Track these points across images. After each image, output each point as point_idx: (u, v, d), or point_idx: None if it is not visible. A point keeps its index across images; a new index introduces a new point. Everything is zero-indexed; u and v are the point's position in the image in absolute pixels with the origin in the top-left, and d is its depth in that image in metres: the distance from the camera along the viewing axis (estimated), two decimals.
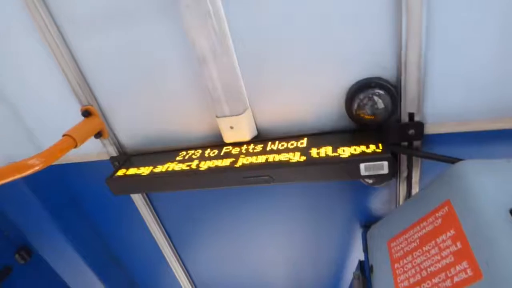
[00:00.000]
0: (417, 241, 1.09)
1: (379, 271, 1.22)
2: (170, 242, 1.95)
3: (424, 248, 1.05)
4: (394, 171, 1.16)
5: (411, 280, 1.04)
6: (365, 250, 1.38)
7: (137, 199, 1.73)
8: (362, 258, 1.44)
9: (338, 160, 1.07)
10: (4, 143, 1.73)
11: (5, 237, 2.12)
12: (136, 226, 1.91)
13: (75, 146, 1.36)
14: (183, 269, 2.09)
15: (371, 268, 1.28)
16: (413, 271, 1.06)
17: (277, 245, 1.78)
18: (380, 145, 1.08)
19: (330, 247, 1.67)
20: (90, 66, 1.38)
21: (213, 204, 1.71)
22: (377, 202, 1.43)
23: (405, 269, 1.09)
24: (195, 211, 1.78)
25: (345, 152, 1.09)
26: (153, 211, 1.80)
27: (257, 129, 1.35)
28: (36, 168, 1.26)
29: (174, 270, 2.09)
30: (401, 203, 1.37)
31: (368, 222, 1.50)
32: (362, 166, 1.05)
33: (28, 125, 1.65)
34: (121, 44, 1.28)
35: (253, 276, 2.03)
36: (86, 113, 1.45)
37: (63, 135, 1.34)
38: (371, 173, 1.06)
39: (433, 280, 0.97)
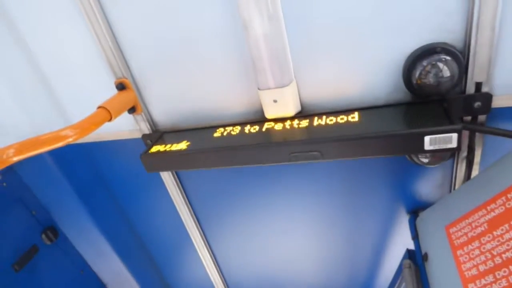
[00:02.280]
0: (485, 225, 0.99)
1: (436, 259, 1.12)
2: (198, 225, 1.89)
3: (495, 233, 0.94)
4: (461, 146, 1.05)
5: (481, 268, 0.94)
6: (415, 237, 1.28)
7: (168, 179, 1.67)
8: (409, 246, 1.34)
9: (399, 133, 0.97)
10: (34, 116, 1.70)
11: (33, 216, 2.11)
12: (164, 208, 1.86)
13: (110, 120, 1.30)
14: (210, 254, 2.03)
15: (424, 256, 1.17)
16: (482, 257, 0.95)
17: (312, 231, 1.70)
18: (446, 117, 0.97)
19: (372, 234, 1.57)
20: (126, 37, 1.32)
21: (244, 186, 1.64)
22: (429, 185, 1.32)
23: (471, 256, 0.98)
24: (225, 193, 1.71)
25: (406, 124, 0.99)
26: (183, 192, 1.74)
27: (301, 104, 1.26)
28: (69, 140, 1.20)
29: (200, 255, 2.04)
30: (457, 186, 1.26)
31: (416, 207, 1.40)
32: (427, 139, 0.95)
33: (58, 98, 1.60)
34: (159, 11, 1.21)
35: (285, 265, 1.95)
36: (121, 86, 1.39)
37: (98, 107, 1.28)
38: (437, 147, 0.95)
39: (510, 267, 0.87)
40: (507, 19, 0.93)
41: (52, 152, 1.83)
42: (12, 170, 2.01)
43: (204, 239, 1.96)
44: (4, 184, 1.97)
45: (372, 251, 1.64)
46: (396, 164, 1.31)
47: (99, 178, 1.94)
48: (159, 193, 1.78)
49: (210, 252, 2.04)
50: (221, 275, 2.16)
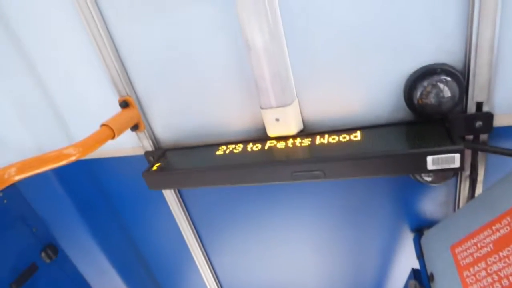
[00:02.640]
0: (490, 245, 0.97)
1: (442, 280, 1.10)
2: (199, 243, 1.87)
3: (501, 254, 0.93)
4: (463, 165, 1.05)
5: None
6: (420, 256, 1.26)
7: (170, 197, 1.67)
8: (414, 265, 1.32)
9: (401, 152, 0.97)
10: (37, 132, 1.71)
11: (33, 234, 2.09)
12: (166, 225, 1.84)
13: (113, 138, 1.31)
14: (211, 271, 2.00)
15: (430, 277, 1.16)
16: (489, 279, 0.94)
17: (314, 249, 1.68)
18: (447, 137, 0.98)
19: (375, 253, 1.55)
20: (130, 55, 1.34)
21: (246, 203, 1.63)
22: (433, 204, 1.31)
23: (478, 278, 0.97)
24: (227, 210, 1.70)
25: (408, 144, 0.99)
26: (184, 209, 1.73)
27: (303, 123, 1.27)
28: (72, 159, 1.21)
29: (201, 272, 2.01)
30: (461, 204, 1.25)
31: (420, 226, 1.38)
32: (429, 159, 0.95)
33: (61, 114, 1.61)
34: (163, 29, 1.23)
35: (285, 283, 1.92)
36: (124, 104, 1.41)
37: (101, 125, 1.29)
38: (439, 167, 0.95)
39: None
40: (505, 40, 0.94)
41: (54, 169, 1.84)
42: (13, 186, 2.00)
43: (206, 256, 1.94)
44: (5, 201, 1.97)
45: (376, 270, 1.61)
46: (399, 182, 1.30)
47: (101, 195, 1.94)
48: (161, 210, 1.77)
49: (212, 269, 2.01)
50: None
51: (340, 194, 1.44)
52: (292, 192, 1.50)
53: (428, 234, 1.26)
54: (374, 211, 1.43)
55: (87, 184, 1.91)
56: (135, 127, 1.46)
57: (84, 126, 1.42)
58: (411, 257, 1.34)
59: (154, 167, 1.36)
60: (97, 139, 1.25)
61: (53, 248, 2.20)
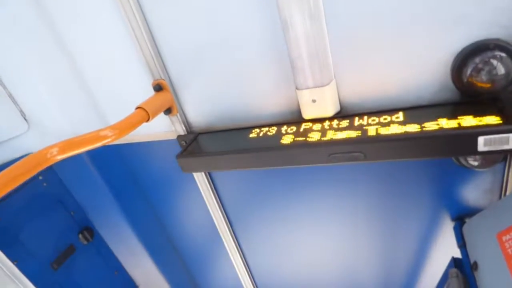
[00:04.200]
0: None
1: (488, 269, 1.05)
2: (229, 227, 1.88)
3: None
4: None
5: None
6: (463, 245, 1.21)
7: (201, 181, 1.68)
8: (455, 254, 1.27)
9: (450, 133, 0.92)
10: (73, 115, 1.75)
11: (71, 217, 2.18)
12: (197, 209, 1.87)
13: (147, 120, 1.32)
14: (241, 256, 2.01)
15: (474, 265, 1.10)
16: None
17: (349, 235, 1.64)
18: (501, 117, 0.91)
19: (413, 240, 1.50)
20: (164, 38, 1.34)
21: (278, 188, 1.61)
22: (477, 190, 1.25)
23: None
24: (258, 194, 1.69)
25: (457, 124, 0.94)
26: (215, 193, 1.73)
27: (340, 105, 1.23)
28: (108, 140, 1.23)
29: (231, 257, 2.02)
30: (508, 191, 1.17)
31: (462, 214, 1.32)
32: (481, 139, 0.89)
33: (96, 98, 1.65)
34: (198, 12, 1.22)
35: (318, 269, 1.91)
36: (158, 87, 1.41)
37: (136, 108, 1.30)
38: (491, 148, 0.89)
39: None
40: None
41: (89, 153, 1.89)
42: (51, 170, 2.08)
43: (236, 241, 1.95)
44: (45, 184, 2.05)
45: (413, 258, 1.56)
46: (441, 166, 1.24)
47: (134, 179, 1.98)
48: (192, 194, 1.79)
49: (241, 254, 2.02)
50: (251, 278, 2.14)
51: (378, 178, 1.39)
52: (326, 176, 1.47)
53: (471, 222, 1.21)
54: (413, 196, 1.37)
55: (120, 168, 1.96)
56: (168, 111, 1.47)
57: (118, 109, 1.45)
58: (451, 245, 1.29)
59: (188, 150, 1.37)
60: (133, 121, 1.27)
61: (89, 230, 2.29)
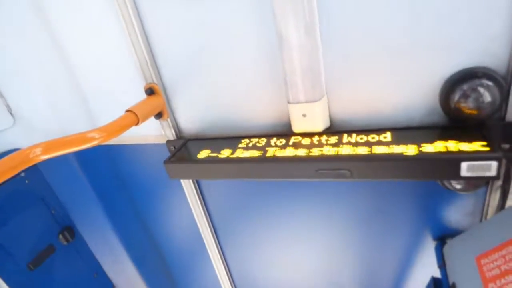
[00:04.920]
0: None
1: None
2: (214, 235, 1.87)
3: None
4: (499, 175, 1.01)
5: None
6: (442, 265, 1.23)
7: (188, 187, 1.67)
8: (435, 274, 1.28)
9: (434, 156, 0.94)
10: (62, 114, 1.73)
11: (52, 216, 2.13)
12: (182, 215, 1.85)
13: (137, 124, 1.31)
14: (224, 264, 2.00)
15: (452, 287, 1.12)
16: None
17: (332, 249, 1.65)
18: (484, 144, 0.94)
19: (395, 258, 1.51)
20: (160, 43, 1.34)
21: (264, 199, 1.61)
22: (459, 213, 1.27)
23: None
24: (244, 204, 1.69)
25: (442, 148, 0.96)
26: (202, 201, 1.72)
27: (330, 120, 1.24)
28: (95, 142, 1.21)
29: (214, 265, 2.01)
30: (489, 215, 1.20)
31: (444, 235, 1.34)
32: (464, 165, 0.91)
33: (87, 97, 1.62)
34: (194, 19, 1.23)
35: (297, 283, 1.90)
36: (150, 91, 1.41)
37: (126, 111, 1.29)
38: (473, 174, 0.91)
39: None
40: None
41: (76, 153, 1.86)
42: (35, 168, 2.04)
43: (220, 249, 1.94)
44: (27, 181, 2.01)
45: (394, 276, 1.57)
46: (426, 188, 1.26)
47: (120, 182, 1.96)
48: (178, 200, 1.78)
49: (224, 262, 2.01)
50: (233, 286, 2.13)
51: (362, 196, 1.40)
52: (312, 191, 1.47)
53: (452, 243, 1.22)
54: (397, 215, 1.39)
55: (107, 170, 1.93)
56: (159, 115, 1.46)
57: (108, 112, 1.43)
58: (432, 265, 1.31)
59: (176, 156, 1.36)
60: (121, 125, 1.25)
61: (70, 230, 2.24)
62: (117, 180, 1.95)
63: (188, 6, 1.20)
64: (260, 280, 2.02)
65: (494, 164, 0.88)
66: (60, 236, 2.17)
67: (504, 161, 1.08)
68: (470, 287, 1.05)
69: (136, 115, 1.29)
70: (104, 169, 1.92)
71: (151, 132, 1.60)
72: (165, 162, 1.35)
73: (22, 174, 1.98)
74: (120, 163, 1.86)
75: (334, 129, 1.24)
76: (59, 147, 1.17)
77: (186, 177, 1.43)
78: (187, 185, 1.66)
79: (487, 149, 0.91)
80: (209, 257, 1.96)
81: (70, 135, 1.19)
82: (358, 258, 1.61)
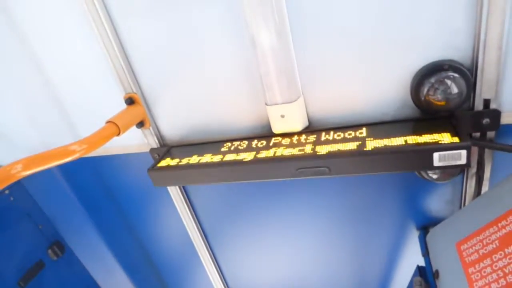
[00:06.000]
0: (496, 242, 0.97)
1: (447, 277, 1.10)
2: (205, 241, 1.87)
3: (507, 250, 0.93)
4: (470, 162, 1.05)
5: (493, 286, 0.92)
6: (426, 254, 1.26)
7: (175, 194, 1.67)
8: (420, 263, 1.32)
9: (407, 149, 0.97)
10: (43, 129, 1.72)
11: (39, 231, 2.11)
12: (172, 223, 1.85)
13: (118, 134, 1.31)
14: (217, 269, 2.00)
15: (435, 274, 1.15)
16: (494, 275, 0.93)
17: (320, 246, 1.67)
18: (454, 133, 0.97)
19: (381, 250, 1.54)
20: (135, 51, 1.34)
21: (251, 201, 1.63)
22: (439, 201, 1.31)
23: (483, 274, 0.96)
24: (233, 208, 1.70)
25: (414, 141, 0.99)
26: (190, 207, 1.73)
27: (308, 120, 1.27)
28: (77, 155, 1.21)
29: (207, 270, 2.01)
30: (467, 202, 1.24)
31: (426, 224, 1.38)
32: (435, 155, 0.94)
33: (67, 111, 1.62)
34: (168, 27, 1.24)
35: (293, 280, 1.92)
36: (130, 101, 1.41)
37: (107, 122, 1.29)
38: (446, 163, 0.95)
39: None
40: None
41: (60, 166, 1.85)
42: (19, 184, 2.02)
43: (211, 254, 1.94)
44: (11, 198, 1.99)
45: (381, 268, 1.61)
46: (405, 180, 1.30)
47: (106, 193, 1.95)
48: (166, 207, 1.78)
49: (217, 268, 2.01)
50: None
51: (346, 192, 1.43)
52: (297, 189, 1.50)
53: (433, 232, 1.26)
54: (380, 209, 1.42)
55: (92, 181, 1.92)
56: (140, 124, 1.47)
57: (90, 123, 1.43)
58: (417, 254, 1.34)
59: (159, 164, 1.37)
60: (102, 136, 1.26)
61: (59, 245, 2.22)
62: (103, 192, 1.95)
63: (158, 14, 1.21)
64: (252, 280, 2.03)
65: (463, 152, 0.92)
66: (49, 251, 2.15)
67: (476, 149, 1.12)
68: (451, 273, 1.08)
69: (117, 125, 1.29)
70: (90, 181, 1.91)
71: (134, 142, 1.60)
72: (149, 170, 1.36)
73: (6, 192, 1.95)
74: (105, 174, 1.85)
75: (313, 128, 1.27)
76: (40, 162, 1.17)
77: (170, 184, 1.44)
78: (174, 192, 1.66)
79: (457, 138, 0.94)
80: (201, 262, 1.97)
81: (51, 150, 1.19)
82: (345, 253, 1.64)
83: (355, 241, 1.58)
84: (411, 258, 1.48)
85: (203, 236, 1.86)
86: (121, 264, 2.24)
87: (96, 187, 1.93)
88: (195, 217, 1.77)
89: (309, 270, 1.81)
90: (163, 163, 1.37)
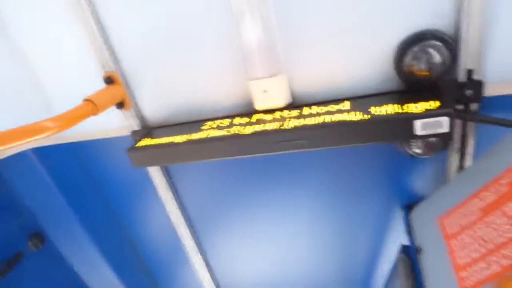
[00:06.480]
0: (478, 213, 0.96)
1: (429, 251, 1.09)
2: (189, 226, 1.83)
3: (487, 219, 0.92)
4: (453, 133, 1.04)
5: (474, 255, 0.91)
6: (409, 232, 1.25)
7: (158, 178, 1.63)
8: (404, 242, 1.31)
9: (387, 117, 0.95)
10: (18, 108, 1.65)
11: (18, 222, 2.03)
12: (156, 209, 1.81)
13: (95, 113, 1.27)
14: (203, 258, 1.96)
15: (418, 250, 1.14)
16: (475, 245, 0.92)
17: (306, 227, 1.65)
18: (437, 103, 0.96)
19: (368, 230, 1.53)
20: (115, 29, 1.30)
21: (235, 183, 1.60)
22: (423, 179, 1.30)
23: (464, 244, 0.95)
24: (217, 192, 1.67)
25: (395, 110, 0.97)
26: (174, 192, 1.69)
27: (292, 96, 1.24)
28: (50, 132, 1.16)
29: (192, 260, 1.97)
30: (450, 178, 1.23)
31: (410, 202, 1.36)
32: (417, 123, 0.93)
33: (44, 90, 1.56)
34: (149, 4, 1.20)
35: (279, 265, 1.89)
36: (109, 80, 1.37)
37: (83, 100, 1.25)
38: (428, 132, 0.93)
39: (502, 251, 0.84)
40: (497, 5, 0.92)
41: (38, 153, 1.79)
42: None
43: (197, 243, 1.90)
44: None
45: (368, 248, 1.59)
46: (389, 157, 1.28)
47: (88, 180, 1.89)
48: (149, 193, 1.74)
49: (203, 256, 1.97)
50: (214, 279, 2.10)
51: (330, 172, 1.41)
52: (283, 171, 1.47)
53: (416, 209, 1.25)
54: (366, 188, 1.41)
55: (73, 168, 1.86)
56: (120, 105, 1.42)
57: (67, 103, 1.37)
58: (402, 233, 1.33)
59: (139, 144, 1.33)
60: (78, 114, 1.21)
61: (39, 236, 2.15)
62: (85, 179, 1.89)
63: None
64: (239, 266, 2.00)
65: (445, 120, 0.91)
66: (29, 243, 2.08)
67: (459, 123, 1.11)
68: (433, 246, 1.07)
69: (94, 103, 1.25)
70: (70, 168, 1.86)
71: (116, 125, 1.55)
72: (128, 150, 1.32)
73: None
74: (86, 160, 1.80)
75: (296, 104, 1.25)
76: (11, 138, 1.11)
77: (150, 164, 1.40)
78: (157, 176, 1.62)
79: (438, 106, 0.93)
80: (186, 251, 1.93)
81: (23, 126, 1.14)
82: (332, 236, 1.62)
83: (341, 223, 1.56)
84: (398, 236, 1.47)
85: (189, 223, 1.82)
86: (103, 254, 2.18)
87: (77, 174, 1.87)
88: (179, 203, 1.73)
89: (296, 252, 1.79)
90: (143, 142, 1.33)
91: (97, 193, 1.94)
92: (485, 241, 0.89)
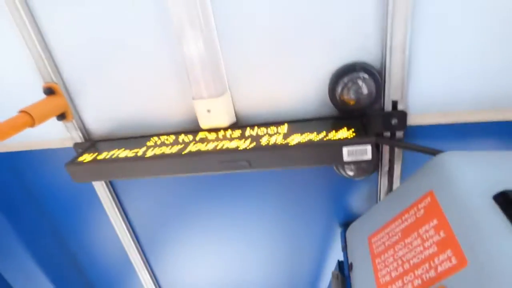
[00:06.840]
0: (399, 234, 1.04)
1: (359, 268, 1.15)
2: (136, 242, 1.80)
3: (406, 241, 1.00)
4: (377, 159, 1.12)
5: (393, 274, 0.98)
6: (344, 249, 1.32)
7: (102, 192, 1.59)
8: (341, 258, 1.38)
9: (319, 143, 1.01)
10: None
11: None
12: (100, 224, 1.76)
13: (32, 125, 1.22)
14: (149, 273, 1.93)
15: (350, 266, 1.21)
16: (395, 264, 1.00)
17: (252, 243, 1.68)
18: (364, 131, 1.03)
19: (309, 247, 1.59)
20: (56, 38, 1.27)
21: (182, 198, 1.60)
22: (358, 198, 1.38)
23: (386, 263, 1.03)
24: (164, 206, 1.66)
25: (327, 136, 1.04)
26: (119, 207, 1.65)
27: (236, 116, 1.28)
28: None
29: (140, 275, 1.93)
30: (382, 198, 1.32)
31: (348, 220, 1.44)
32: (345, 150, 0.99)
33: None
34: (91, 14, 1.18)
35: (225, 278, 1.90)
36: (49, 91, 1.32)
37: (19, 111, 1.20)
38: (354, 158, 1.00)
39: (416, 271, 0.92)
40: (417, 44, 1.02)
41: None
42: None
43: (143, 255, 1.87)
44: None
45: (311, 264, 1.65)
46: (327, 178, 1.35)
47: (27, 192, 1.80)
48: (93, 207, 1.68)
49: (150, 271, 1.94)
50: None
51: (274, 192, 1.45)
52: (227, 187, 1.50)
53: (351, 227, 1.32)
54: (305, 207, 1.47)
55: (9, 180, 1.77)
56: (61, 117, 1.38)
57: (5, 116, 1.31)
58: (339, 250, 1.40)
59: (80, 158, 1.29)
60: (12, 125, 1.16)
61: None
62: (23, 193, 1.79)
63: (78, 2, 1.16)
64: (187, 282, 1.99)
65: (368, 148, 0.98)
66: None
67: (387, 148, 1.20)
68: (362, 264, 1.14)
69: (30, 115, 1.20)
70: (6, 180, 1.76)
71: (57, 136, 1.50)
72: (67, 164, 1.28)
73: None
74: (25, 171, 1.71)
75: (240, 124, 1.28)
76: None
77: (90, 179, 1.36)
78: (101, 190, 1.58)
79: (364, 135, 1.00)
80: (131, 264, 1.88)
81: None
82: (275, 252, 1.67)
83: (285, 240, 1.61)
84: (337, 254, 1.54)
85: (134, 237, 1.79)
86: (43, 270, 2.08)
87: (14, 187, 1.77)
88: (124, 217, 1.70)
89: (243, 265, 1.81)
90: (84, 157, 1.30)
91: (36, 206, 1.85)
92: (403, 261, 0.97)
